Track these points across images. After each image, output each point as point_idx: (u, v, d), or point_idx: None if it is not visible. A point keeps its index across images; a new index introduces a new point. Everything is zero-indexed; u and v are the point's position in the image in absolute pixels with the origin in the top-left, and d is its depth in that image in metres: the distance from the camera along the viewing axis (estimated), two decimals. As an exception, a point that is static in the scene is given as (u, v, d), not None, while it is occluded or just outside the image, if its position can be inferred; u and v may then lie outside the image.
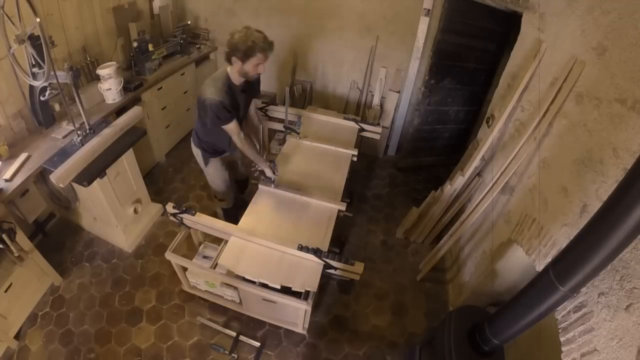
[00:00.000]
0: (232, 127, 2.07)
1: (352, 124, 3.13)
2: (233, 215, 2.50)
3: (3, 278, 2.13)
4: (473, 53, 3.15)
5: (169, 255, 2.18)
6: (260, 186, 2.38)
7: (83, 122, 2.37)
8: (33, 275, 2.35)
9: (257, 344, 2.26)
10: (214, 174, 2.46)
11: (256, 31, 1.94)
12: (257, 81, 2.31)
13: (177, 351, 2.24)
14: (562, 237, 1.49)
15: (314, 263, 1.92)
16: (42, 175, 2.46)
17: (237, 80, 2.09)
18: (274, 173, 2.28)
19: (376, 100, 3.79)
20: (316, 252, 1.91)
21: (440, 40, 3.01)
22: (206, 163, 2.40)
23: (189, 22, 3.79)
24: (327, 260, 1.90)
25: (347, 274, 1.95)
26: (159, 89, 3.30)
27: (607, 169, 1.31)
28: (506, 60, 2.46)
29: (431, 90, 3.27)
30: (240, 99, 2.17)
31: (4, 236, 1.97)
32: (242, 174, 2.81)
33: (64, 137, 2.47)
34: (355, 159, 2.82)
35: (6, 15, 1.94)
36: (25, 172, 2.18)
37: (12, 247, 2.03)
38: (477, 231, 2.45)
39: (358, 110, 3.98)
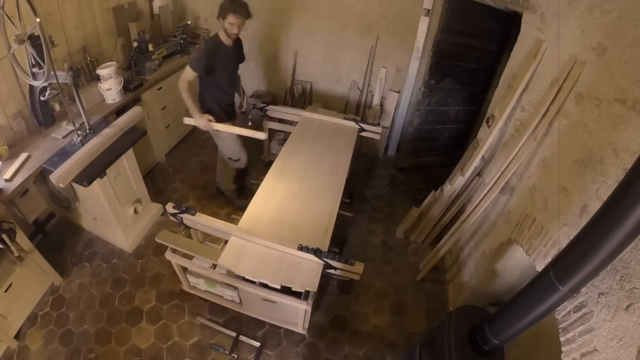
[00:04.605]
0: (187, 72, 2.41)
1: (352, 124, 3.13)
2: (242, 180, 3.10)
3: (3, 278, 2.13)
4: (473, 53, 3.16)
5: (169, 255, 2.18)
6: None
7: (83, 122, 2.37)
8: (33, 275, 2.35)
9: (257, 344, 2.26)
10: (224, 136, 2.72)
11: None
12: (240, 46, 2.68)
13: (177, 351, 2.24)
14: (562, 237, 1.49)
15: (314, 263, 1.92)
16: (42, 175, 2.46)
17: (226, 40, 2.45)
18: (208, 123, 2.49)
19: (376, 100, 3.79)
20: (316, 252, 1.91)
21: (440, 40, 3.01)
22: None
23: (189, 22, 3.79)
24: (327, 260, 1.90)
25: (347, 274, 1.95)
26: (159, 89, 3.30)
27: (607, 169, 1.31)
28: (506, 60, 2.46)
29: (431, 90, 3.27)
30: (227, 58, 2.51)
31: (4, 236, 1.97)
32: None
33: (64, 137, 2.47)
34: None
35: (6, 15, 1.94)
36: (25, 172, 2.18)
37: (12, 247, 2.02)
38: (477, 231, 2.45)
39: (358, 110, 3.98)
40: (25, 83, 2.27)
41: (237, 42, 2.59)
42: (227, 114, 2.75)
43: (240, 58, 2.74)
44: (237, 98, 2.86)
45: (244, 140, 2.82)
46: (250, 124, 2.82)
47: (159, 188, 3.37)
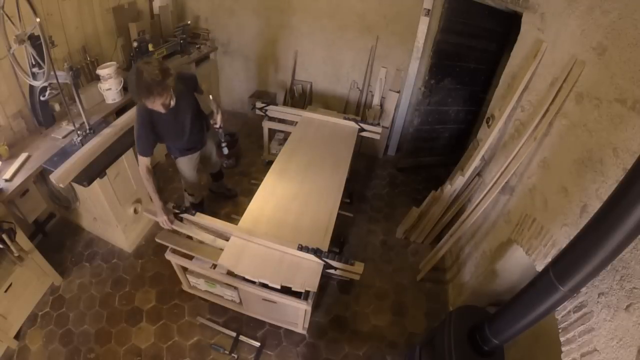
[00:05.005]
0: (140, 160, 2.12)
1: (352, 124, 3.13)
2: (199, 211, 2.41)
3: (3, 278, 2.13)
4: (473, 53, 3.16)
5: (169, 255, 2.18)
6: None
7: (83, 122, 2.38)
8: (33, 275, 2.35)
9: (257, 344, 2.26)
10: (183, 170, 2.58)
11: (145, 66, 1.76)
12: (191, 81, 2.20)
13: (177, 351, 2.24)
14: (562, 237, 1.49)
15: (314, 263, 1.92)
16: (42, 175, 2.46)
17: (160, 109, 1.93)
18: (169, 221, 2.14)
19: (376, 100, 3.79)
20: (316, 252, 1.91)
21: (440, 40, 3.01)
22: (175, 158, 2.53)
23: (189, 22, 3.79)
24: (327, 260, 1.90)
25: (347, 274, 1.95)
26: (159, 89, 3.30)
27: (607, 169, 1.31)
28: (506, 60, 2.46)
29: (431, 90, 3.27)
30: (169, 121, 2.11)
31: (4, 236, 1.97)
32: (215, 166, 2.94)
33: (64, 137, 2.47)
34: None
35: (6, 15, 1.94)
36: (25, 172, 2.18)
37: (12, 247, 2.03)
38: (477, 231, 2.45)
39: (358, 110, 3.98)
40: (25, 83, 2.27)
41: (179, 87, 2.03)
42: (196, 145, 2.50)
43: (196, 89, 2.28)
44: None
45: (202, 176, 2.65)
46: (222, 139, 2.55)
47: (158, 188, 3.34)
